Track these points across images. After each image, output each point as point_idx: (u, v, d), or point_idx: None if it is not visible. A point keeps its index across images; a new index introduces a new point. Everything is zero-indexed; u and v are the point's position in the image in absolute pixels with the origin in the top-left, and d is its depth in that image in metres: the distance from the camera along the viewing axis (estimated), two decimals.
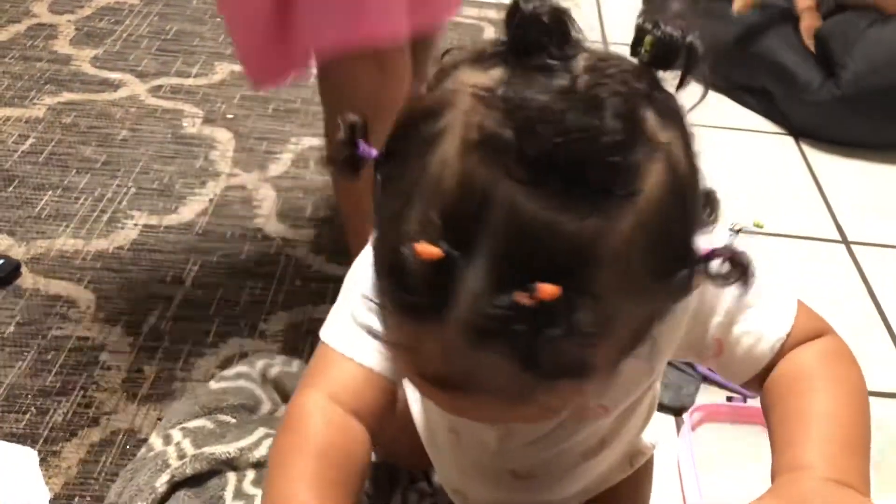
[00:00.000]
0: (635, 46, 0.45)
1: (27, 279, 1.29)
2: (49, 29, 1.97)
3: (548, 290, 0.38)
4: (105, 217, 1.43)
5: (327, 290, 1.31)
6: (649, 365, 0.60)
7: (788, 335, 0.57)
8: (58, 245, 1.36)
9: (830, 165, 1.84)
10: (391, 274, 0.41)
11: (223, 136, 1.67)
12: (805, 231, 1.62)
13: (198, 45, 1.97)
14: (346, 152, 0.47)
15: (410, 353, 0.44)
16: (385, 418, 0.60)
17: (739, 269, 0.46)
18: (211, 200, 1.50)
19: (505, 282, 0.39)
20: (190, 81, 1.83)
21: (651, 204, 0.42)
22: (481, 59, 0.44)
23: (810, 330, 0.58)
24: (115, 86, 1.79)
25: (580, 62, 0.42)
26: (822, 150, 1.87)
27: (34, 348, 1.17)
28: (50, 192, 1.47)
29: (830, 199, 1.73)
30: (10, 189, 1.47)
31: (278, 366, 1.06)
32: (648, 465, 0.84)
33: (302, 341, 1.22)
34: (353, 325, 0.60)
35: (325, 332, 0.63)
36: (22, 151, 1.56)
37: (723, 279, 0.46)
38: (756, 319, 0.57)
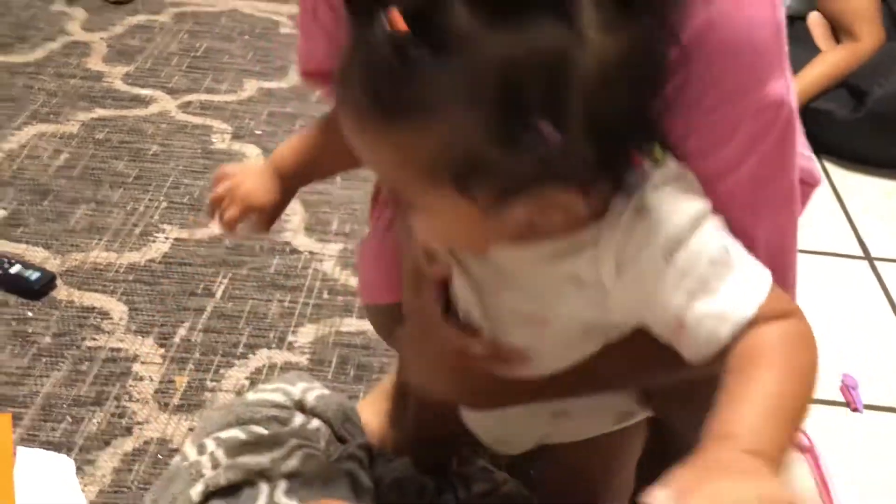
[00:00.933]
0: None
1: (62, 291, 1.32)
2: (83, 47, 2.01)
3: (396, 19, 0.47)
4: (137, 230, 1.46)
5: (354, 302, 1.33)
6: (593, 291, 0.61)
7: (751, 319, 0.57)
8: (91, 258, 1.39)
9: (853, 182, 1.84)
10: None
11: (252, 151, 1.70)
12: (828, 247, 1.63)
13: (227, 62, 2.01)
14: None
15: (335, 44, 0.54)
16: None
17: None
18: None
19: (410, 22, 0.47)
20: (219, 98, 1.87)
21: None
22: None
23: (777, 311, 0.57)
24: (146, 102, 1.83)
25: None
26: (845, 168, 1.88)
27: (69, 359, 1.20)
28: (84, 206, 1.50)
29: (853, 215, 1.73)
30: (46, 203, 1.50)
31: (317, 390, 1.07)
32: (636, 427, 0.84)
33: (330, 353, 1.25)
34: None
35: None
36: (56, 166, 1.60)
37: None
38: (719, 302, 0.57)
